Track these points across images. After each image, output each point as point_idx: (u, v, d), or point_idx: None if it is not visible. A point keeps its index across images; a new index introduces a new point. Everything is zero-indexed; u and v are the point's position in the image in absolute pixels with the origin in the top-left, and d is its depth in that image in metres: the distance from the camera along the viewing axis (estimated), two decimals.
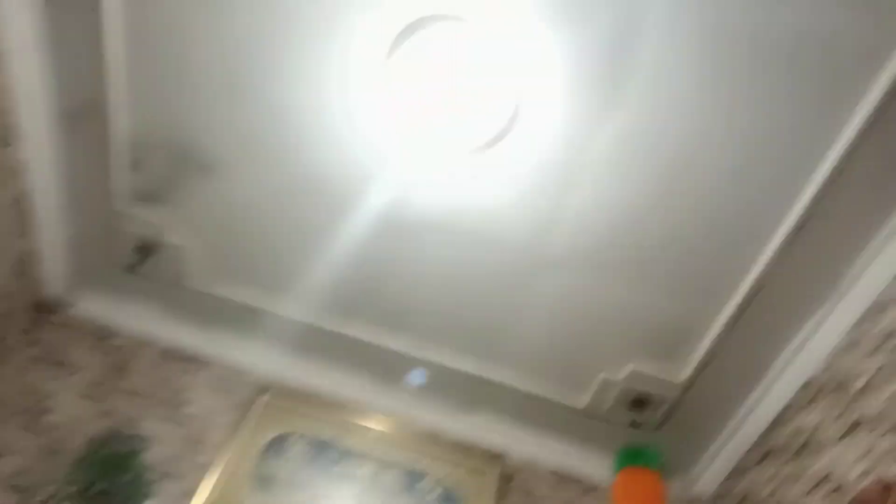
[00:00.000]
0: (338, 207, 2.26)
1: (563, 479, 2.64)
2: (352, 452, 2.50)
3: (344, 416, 2.60)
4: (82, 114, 2.20)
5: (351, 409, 2.62)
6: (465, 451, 2.61)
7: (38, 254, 2.45)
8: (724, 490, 2.59)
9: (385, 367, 2.67)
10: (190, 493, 2.26)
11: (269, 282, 2.53)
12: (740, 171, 1.98)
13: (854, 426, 1.95)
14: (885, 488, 1.73)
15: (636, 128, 1.95)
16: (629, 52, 1.83)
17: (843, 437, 2.00)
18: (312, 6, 1.92)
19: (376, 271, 2.42)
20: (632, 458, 2.26)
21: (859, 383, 2.00)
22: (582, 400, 2.59)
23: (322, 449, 2.49)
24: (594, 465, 2.62)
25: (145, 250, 2.50)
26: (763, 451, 2.40)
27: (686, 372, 2.42)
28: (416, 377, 2.59)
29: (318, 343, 2.65)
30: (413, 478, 2.48)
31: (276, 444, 2.47)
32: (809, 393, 2.22)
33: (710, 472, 2.65)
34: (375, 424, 2.60)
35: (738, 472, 2.53)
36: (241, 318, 2.62)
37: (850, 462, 1.91)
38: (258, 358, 2.69)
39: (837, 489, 1.92)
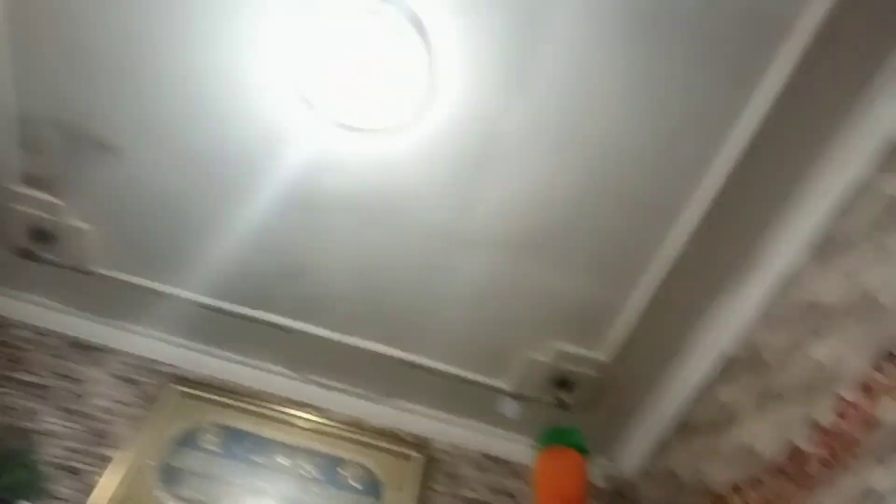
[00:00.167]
0: (243, 187, 2.15)
1: (489, 461, 2.63)
2: (269, 442, 2.42)
3: (260, 405, 2.51)
4: None
5: (267, 398, 2.53)
6: (388, 437, 2.56)
7: None
8: (649, 467, 2.60)
9: (303, 355, 2.58)
10: (91, 489, 2.14)
11: (175, 268, 2.40)
12: (653, 149, 1.96)
13: (768, 398, 1.97)
14: (795, 457, 1.75)
15: (547, 109, 1.91)
16: (537, 34, 1.78)
17: (757, 409, 2.01)
18: None
19: (290, 255, 2.33)
20: (554, 438, 2.24)
21: (773, 355, 2.01)
22: (506, 382, 2.55)
23: (237, 439, 2.40)
24: (521, 448, 2.61)
25: (42, 235, 2.35)
26: (685, 428, 2.42)
27: (608, 351, 2.40)
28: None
29: (232, 331, 2.54)
30: (334, 465, 2.42)
31: (187, 436, 2.36)
32: (727, 369, 2.24)
33: (636, 450, 2.66)
34: (294, 413, 2.52)
35: (661, 449, 2.54)
36: (147, 306, 2.49)
37: (764, 433, 1.93)
38: (166, 347, 2.58)
39: (753, 460, 1.94)
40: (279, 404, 2.53)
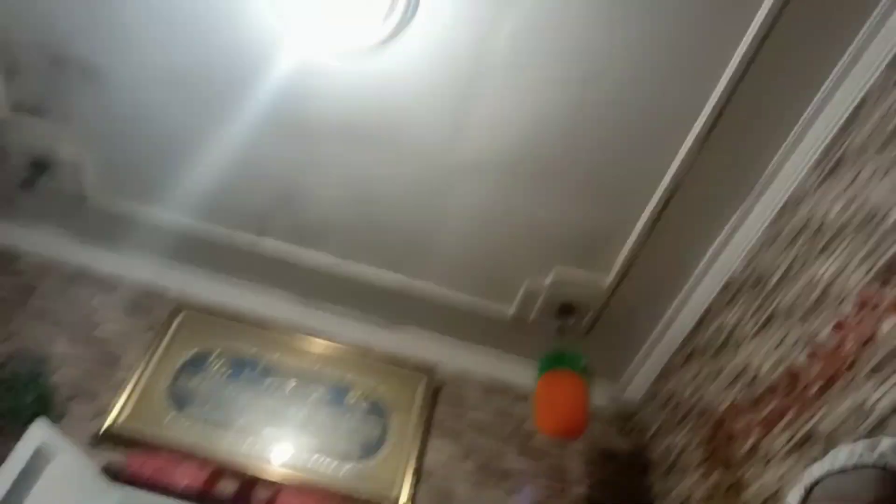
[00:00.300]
0: (228, 106, 2.13)
1: (493, 387, 2.65)
2: (275, 369, 2.46)
3: (266, 333, 2.55)
4: None
5: (273, 327, 2.57)
6: (394, 364, 2.59)
7: None
8: (653, 392, 2.62)
9: (307, 285, 2.60)
10: (103, 412, 2.20)
11: (170, 192, 2.41)
12: (652, 65, 1.89)
13: (768, 320, 1.96)
14: (793, 377, 1.75)
15: (533, 29, 1.84)
16: None
17: (758, 331, 2.00)
18: None
19: (283, 183, 2.32)
20: (554, 361, 2.25)
21: (775, 278, 1.99)
22: (509, 309, 2.56)
23: (244, 366, 2.44)
24: (525, 374, 2.62)
25: (39, 165, 2.35)
26: (687, 352, 2.42)
27: (610, 277, 2.39)
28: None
29: (235, 261, 2.57)
30: (339, 391, 2.46)
31: (195, 362, 2.41)
32: (730, 291, 2.22)
33: (639, 375, 2.68)
34: (300, 341, 2.56)
35: (664, 373, 2.55)
36: (151, 237, 2.51)
37: (763, 355, 1.93)
38: (173, 277, 2.61)
39: (752, 381, 1.94)
40: (286, 331, 2.57)
